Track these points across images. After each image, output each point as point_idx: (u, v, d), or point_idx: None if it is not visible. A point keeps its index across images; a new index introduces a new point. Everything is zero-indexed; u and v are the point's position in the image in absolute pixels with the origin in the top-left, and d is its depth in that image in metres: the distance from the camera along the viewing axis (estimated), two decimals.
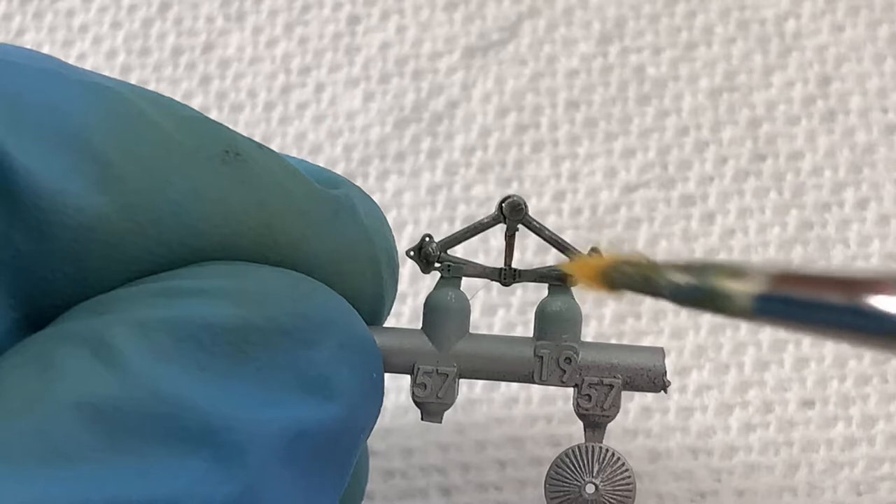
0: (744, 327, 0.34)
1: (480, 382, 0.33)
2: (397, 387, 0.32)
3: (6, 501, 0.18)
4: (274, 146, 0.34)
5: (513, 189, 0.36)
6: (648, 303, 0.34)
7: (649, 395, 0.33)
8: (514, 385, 0.33)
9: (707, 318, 0.34)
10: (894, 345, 0.15)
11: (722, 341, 0.34)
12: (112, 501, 0.18)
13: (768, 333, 0.34)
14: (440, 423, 0.24)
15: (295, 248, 0.23)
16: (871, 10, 0.37)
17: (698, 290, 0.19)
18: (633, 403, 0.33)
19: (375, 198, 0.34)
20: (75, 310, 0.21)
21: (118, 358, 0.20)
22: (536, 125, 0.37)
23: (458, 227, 0.35)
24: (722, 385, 0.33)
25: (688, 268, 0.19)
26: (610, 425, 0.32)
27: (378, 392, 0.23)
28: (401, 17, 0.38)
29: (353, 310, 0.23)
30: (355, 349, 0.22)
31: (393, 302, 0.26)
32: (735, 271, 0.18)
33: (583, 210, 0.35)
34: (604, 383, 0.24)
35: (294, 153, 0.36)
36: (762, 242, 0.35)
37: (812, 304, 0.16)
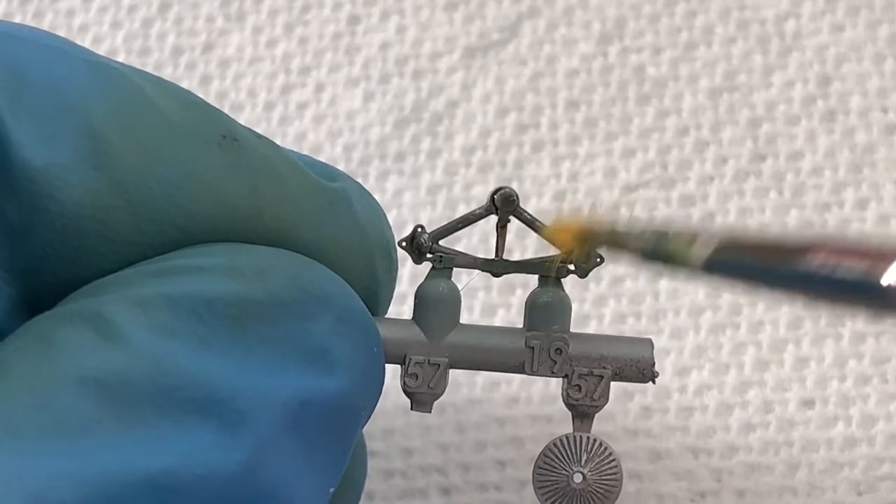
0: (744, 327, 0.34)
1: (480, 382, 0.33)
2: (397, 387, 0.32)
3: (15, 477, 0.18)
4: None
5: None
6: (648, 302, 0.34)
7: (649, 395, 0.33)
8: (514, 385, 0.33)
9: (707, 318, 0.34)
10: (817, 299, 0.17)
11: (722, 341, 0.34)
12: (121, 473, 0.19)
13: (768, 333, 0.34)
14: (429, 412, 0.25)
15: (285, 236, 0.23)
16: (871, 10, 0.37)
17: (658, 254, 0.21)
18: (633, 403, 0.33)
19: (375, 198, 0.35)
20: (73, 294, 0.21)
21: (119, 333, 0.20)
22: (536, 125, 0.37)
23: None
24: (722, 385, 0.33)
25: (650, 233, 0.22)
26: (610, 425, 0.33)
27: (378, 368, 0.23)
28: (401, 17, 0.38)
29: (349, 286, 0.23)
30: (354, 322, 0.22)
31: (390, 299, 0.26)
32: (689, 237, 0.20)
33: (583, 210, 0.35)
34: (594, 374, 0.24)
35: None
36: None
37: (749, 265, 0.19)
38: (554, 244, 0.25)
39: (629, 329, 0.34)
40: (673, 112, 0.37)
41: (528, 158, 0.36)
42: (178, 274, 0.21)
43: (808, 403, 0.33)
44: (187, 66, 0.37)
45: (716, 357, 0.34)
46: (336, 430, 0.22)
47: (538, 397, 0.33)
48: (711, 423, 0.33)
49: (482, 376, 0.33)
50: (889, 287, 0.16)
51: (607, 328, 0.34)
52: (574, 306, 0.29)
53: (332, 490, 0.22)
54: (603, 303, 0.34)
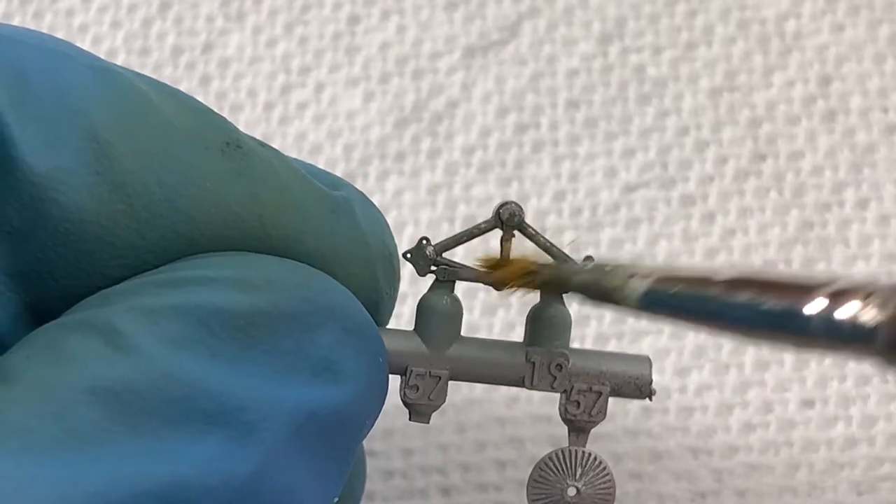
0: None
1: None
2: (396, 388, 0.32)
3: (28, 487, 0.18)
4: (274, 146, 0.34)
5: (513, 189, 0.36)
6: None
7: None
8: None
9: None
10: (746, 333, 0.18)
11: (722, 341, 0.34)
12: (131, 483, 0.19)
13: None
14: (428, 423, 0.25)
15: (287, 244, 0.23)
16: (871, 10, 0.37)
17: (598, 290, 0.22)
18: (633, 404, 0.33)
19: (375, 198, 0.35)
20: (81, 303, 0.21)
21: (129, 343, 0.20)
22: (536, 125, 0.36)
23: (459, 227, 0.35)
24: (722, 385, 0.33)
25: (590, 270, 0.23)
26: (610, 426, 0.33)
27: (382, 378, 0.23)
28: (401, 17, 0.38)
29: (353, 296, 0.23)
30: (360, 334, 0.23)
31: (392, 309, 0.26)
32: (627, 272, 0.21)
33: (583, 210, 0.35)
34: (592, 390, 0.25)
35: (294, 153, 0.36)
36: (762, 242, 0.35)
37: (683, 301, 0.19)
38: (498, 285, 0.25)
39: (629, 329, 0.34)
40: (673, 112, 0.36)
41: (528, 158, 0.36)
42: (187, 285, 0.21)
43: (808, 403, 0.33)
44: (187, 66, 0.37)
45: (716, 357, 0.34)
46: (341, 439, 0.22)
47: (538, 397, 0.33)
48: (711, 423, 0.33)
49: None
50: (811, 317, 0.16)
51: (607, 328, 0.34)
52: (574, 306, 0.29)
53: (336, 500, 0.22)
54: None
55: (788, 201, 0.35)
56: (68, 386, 0.19)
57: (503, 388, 0.33)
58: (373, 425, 0.23)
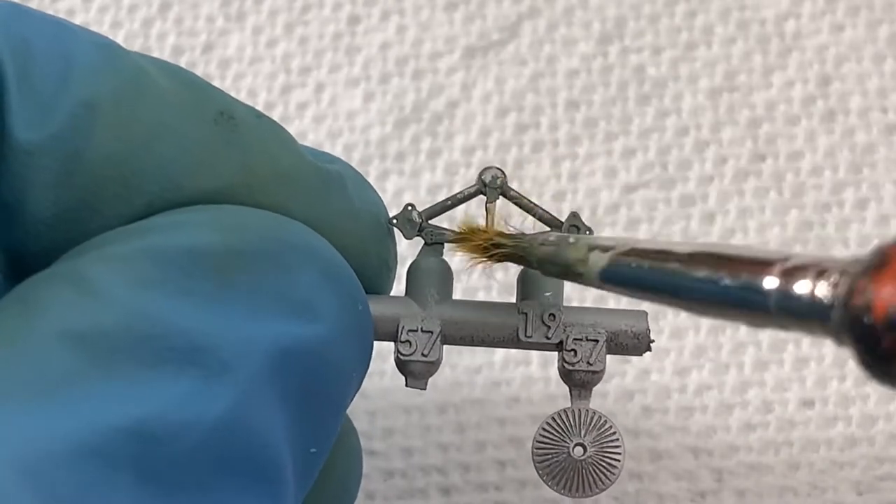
0: (744, 327, 0.34)
1: (480, 382, 0.33)
2: (397, 385, 0.32)
3: (1, 434, 0.18)
4: None
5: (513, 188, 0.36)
6: (648, 303, 0.34)
7: (649, 395, 0.33)
8: (515, 385, 0.33)
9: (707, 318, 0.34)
10: (705, 308, 0.18)
11: (722, 341, 0.34)
12: (104, 422, 0.19)
13: (768, 333, 0.34)
14: (424, 388, 0.24)
15: (277, 213, 0.23)
16: (871, 10, 0.37)
17: (557, 264, 0.22)
18: (633, 403, 0.33)
19: None
20: (57, 261, 0.21)
21: (97, 288, 0.20)
22: (536, 125, 0.37)
23: (458, 226, 0.35)
24: (722, 385, 0.33)
25: (551, 242, 0.22)
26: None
27: (364, 327, 0.23)
28: (401, 17, 0.38)
29: (332, 247, 0.23)
30: (337, 277, 0.22)
31: (390, 285, 0.26)
32: (588, 246, 0.21)
33: (583, 210, 0.35)
34: (588, 339, 0.24)
35: None
36: (762, 242, 0.35)
37: (643, 275, 0.19)
38: (463, 251, 0.25)
39: None
40: (673, 112, 0.37)
41: (528, 158, 0.36)
42: (159, 229, 0.21)
43: (808, 403, 0.33)
44: (187, 66, 0.37)
45: (716, 357, 0.34)
46: (320, 385, 0.22)
47: (538, 397, 0.33)
48: (711, 423, 0.33)
49: (482, 376, 0.33)
50: (769, 291, 0.16)
51: None
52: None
53: (314, 451, 0.22)
54: (602, 303, 0.34)
55: (788, 201, 0.35)
56: (38, 333, 0.19)
57: (503, 388, 0.33)
58: (359, 383, 0.23)
